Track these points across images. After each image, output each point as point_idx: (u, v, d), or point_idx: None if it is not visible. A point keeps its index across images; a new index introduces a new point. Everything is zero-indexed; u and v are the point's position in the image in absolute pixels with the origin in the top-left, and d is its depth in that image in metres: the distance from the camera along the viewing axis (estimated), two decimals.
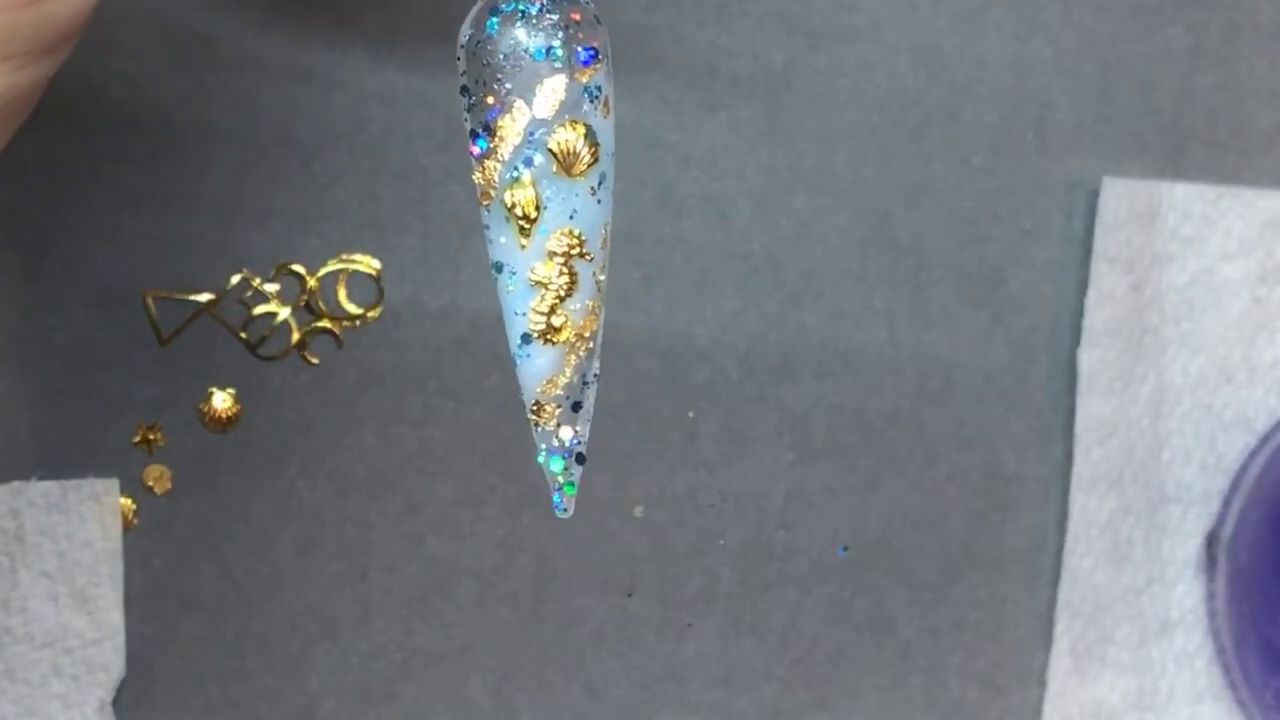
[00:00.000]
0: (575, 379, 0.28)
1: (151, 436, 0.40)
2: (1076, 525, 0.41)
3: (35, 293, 0.40)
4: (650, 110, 0.40)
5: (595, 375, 0.29)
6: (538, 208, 0.27)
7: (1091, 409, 0.41)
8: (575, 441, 0.29)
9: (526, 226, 0.28)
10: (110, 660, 0.39)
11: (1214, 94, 0.41)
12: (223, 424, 0.40)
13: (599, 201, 0.28)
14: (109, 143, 0.39)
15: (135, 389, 0.40)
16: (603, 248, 0.28)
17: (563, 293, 0.28)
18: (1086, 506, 0.41)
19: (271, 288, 0.40)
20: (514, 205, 0.27)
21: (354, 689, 0.40)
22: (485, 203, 0.28)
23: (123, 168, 0.39)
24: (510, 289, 0.28)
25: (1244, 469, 0.40)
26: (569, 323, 0.28)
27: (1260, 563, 0.40)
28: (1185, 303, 0.41)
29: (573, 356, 0.28)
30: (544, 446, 0.29)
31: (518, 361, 0.28)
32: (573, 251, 0.28)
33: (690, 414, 0.41)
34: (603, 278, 0.28)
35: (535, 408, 0.28)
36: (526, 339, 0.28)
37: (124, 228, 0.40)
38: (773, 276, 0.41)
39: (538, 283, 0.28)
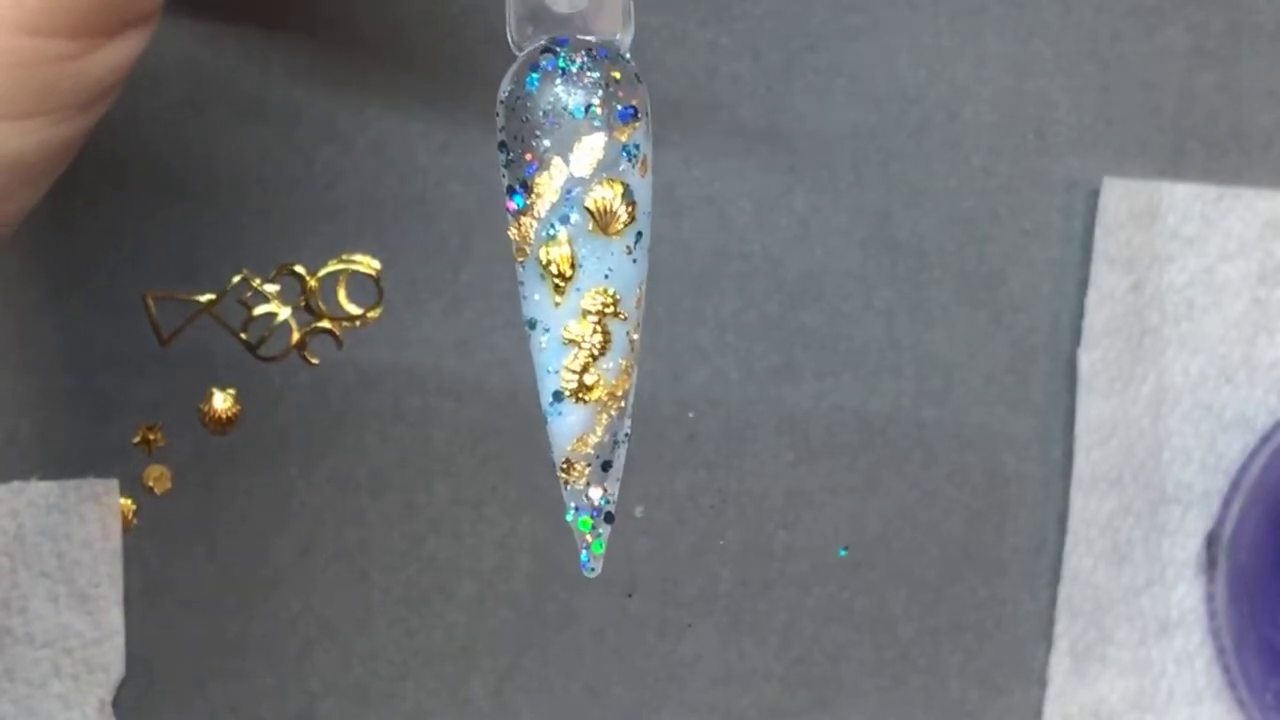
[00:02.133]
0: (606, 438, 0.28)
1: (151, 436, 0.40)
2: (1076, 525, 0.41)
3: (35, 293, 0.40)
4: (649, 110, 0.40)
5: (626, 435, 0.29)
6: (573, 266, 0.27)
7: (1091, 409, 0.41)
8: (604, 500, 0.29)
9: (561, 284, 0.27)
10: (110, 660, 0.39)
11: (1214, 94, 0.41)
12: (223, 424, 0.40)
13: (634, 261, 0.28)
14: (109, 143, 0.39)
15: (135, 389, 0.40)
16: (637, 307, 0.28)
17: (596, 351, 0.28)
18: (1086, 506, 0.41)
19: (271, 288, 0.40)
20: (549, 262, 0.27)
21: (354, 689, 0.40)
22: (520, 259, 0.28)
23: (123, 168, 0.39)
24: (543, 346, 0.28)
25: (1244, 469, 0.40)
26: (601, 381, 0.28)
27: (1260, 563, 0.40)
28: (1185, 303, 0.41)
29: (604, 415, 0.28)
30: (573, 505, 0.29)
31: (549, 419, 0.28)
32: (607, 310, 0.27)
33: (690, 414, 0.41)
34: (636, 337, 0.28)
35: (565, 466, 0.28)
36: (558, 397, 0.28)
37: (124, 228, 0.40)
38: (773, 276, 0.41)
39: (571, 341, 0.28)
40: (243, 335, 0.40)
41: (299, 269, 0.40)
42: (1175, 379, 0.41)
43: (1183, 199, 0.40)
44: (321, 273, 0.40)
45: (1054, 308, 0.41)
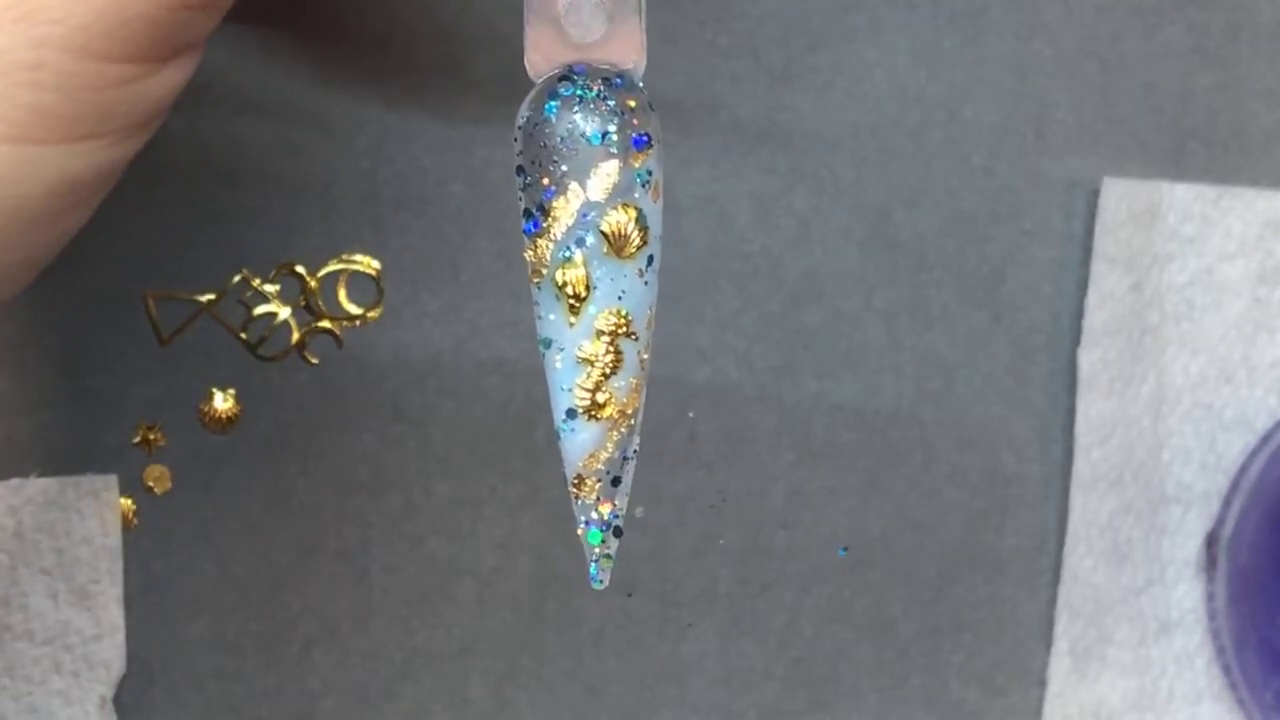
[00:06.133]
0: (616, 454, 0.29)
1: (151, 436, 0.40)
2: (1076, 525, 0.41)
3: (35, 293, 0.40)
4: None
5: (635, 451, 0.30)
6: (588, 287, 0.28)
7: (1091, 409, 0.41)
8: (614, 515, 0.29)
9: (576, 305, 0.28)
10: (110, 657, 0.39)
11: (1214, 94, 0.41)
12: (223, 424, 0.40)
13: (646, 283, 0.29)
14: None
15: (135, 389, 0.40)
16: (648, 328, 0.29)
17: (608, 370, 0.28)
18: (1086, 506, 0.41)
19: (271, 288, 0.40)
20: (565, 284, 0.28)
21: (354, 689, 0.40)
22: (536, 280, 0.28)
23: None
24: (557, 365, 0.28)
25: (1244, 469, 0.40)
26: (613, 400, 0.29)
27: (1260, 563, 0.40)
28: (1185, 303, 0.41)
29: (615, 433, 0.29)
30: (583, 519, 0.29)
31: (561, 435, 0.29)
32: (619, 331, 0.28)
33: (690, 414, 0.41)
34: (646, 357, 0.29)
35: (576, 481, 0.29)
36: (571, 414, 0.29)
37: (124, 228, 0.40)
38: (773, 276, 0.41)
39: (584, 360, 0.28)
40: (243, 335, 0.40)
41: (299, 269, 0.40)
42: (1175, 379, 0.41)
43: (1183, 199, 0.40)
44: (321, 273, 0.40)
45: (1054, 308, 0.41)
